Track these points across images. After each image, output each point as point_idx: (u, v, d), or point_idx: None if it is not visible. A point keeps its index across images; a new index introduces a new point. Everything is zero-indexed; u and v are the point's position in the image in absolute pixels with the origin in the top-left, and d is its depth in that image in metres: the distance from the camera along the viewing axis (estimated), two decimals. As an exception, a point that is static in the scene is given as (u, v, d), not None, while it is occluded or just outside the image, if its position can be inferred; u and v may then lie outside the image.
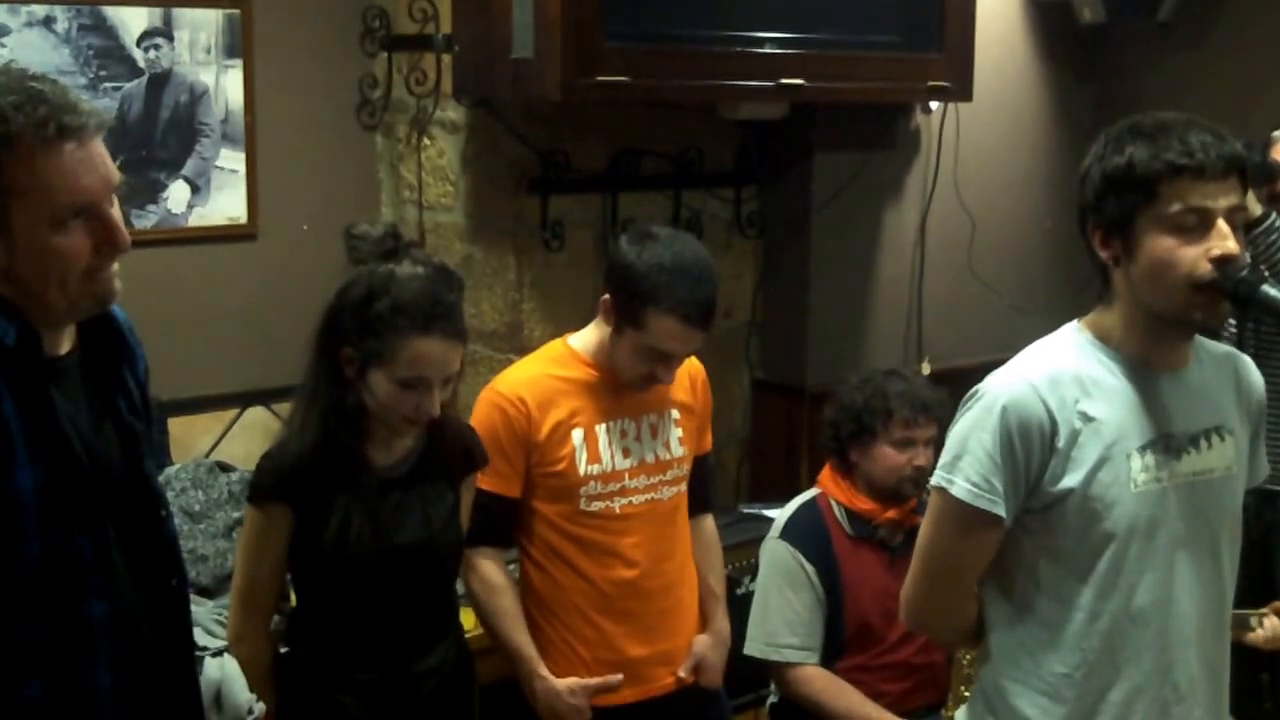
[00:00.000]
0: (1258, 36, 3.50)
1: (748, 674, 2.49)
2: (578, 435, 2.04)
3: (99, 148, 1.36)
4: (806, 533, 2.38)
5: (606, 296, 2.03)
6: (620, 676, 2.06)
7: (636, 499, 2.08)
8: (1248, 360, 1.68)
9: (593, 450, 2.04)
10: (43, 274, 1.34)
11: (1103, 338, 1.56)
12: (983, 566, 1.58)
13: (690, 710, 2.15)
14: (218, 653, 2.24)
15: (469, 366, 1.96)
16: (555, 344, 2.15)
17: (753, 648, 2.38)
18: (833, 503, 2.42)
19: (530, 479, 2.05)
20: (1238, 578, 1.65)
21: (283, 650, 1.89)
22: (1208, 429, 1.58)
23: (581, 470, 2.04)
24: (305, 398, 1.82)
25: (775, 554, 2.39)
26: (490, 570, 2.03)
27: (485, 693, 2.02)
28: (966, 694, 2.07)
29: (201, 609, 2.35)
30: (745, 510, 3.10)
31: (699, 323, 1.98)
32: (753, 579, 2.80)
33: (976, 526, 1.53)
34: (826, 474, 2.46)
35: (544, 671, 2.04)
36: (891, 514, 2.38)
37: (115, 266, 1.38)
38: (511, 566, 2.15)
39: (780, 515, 2.45)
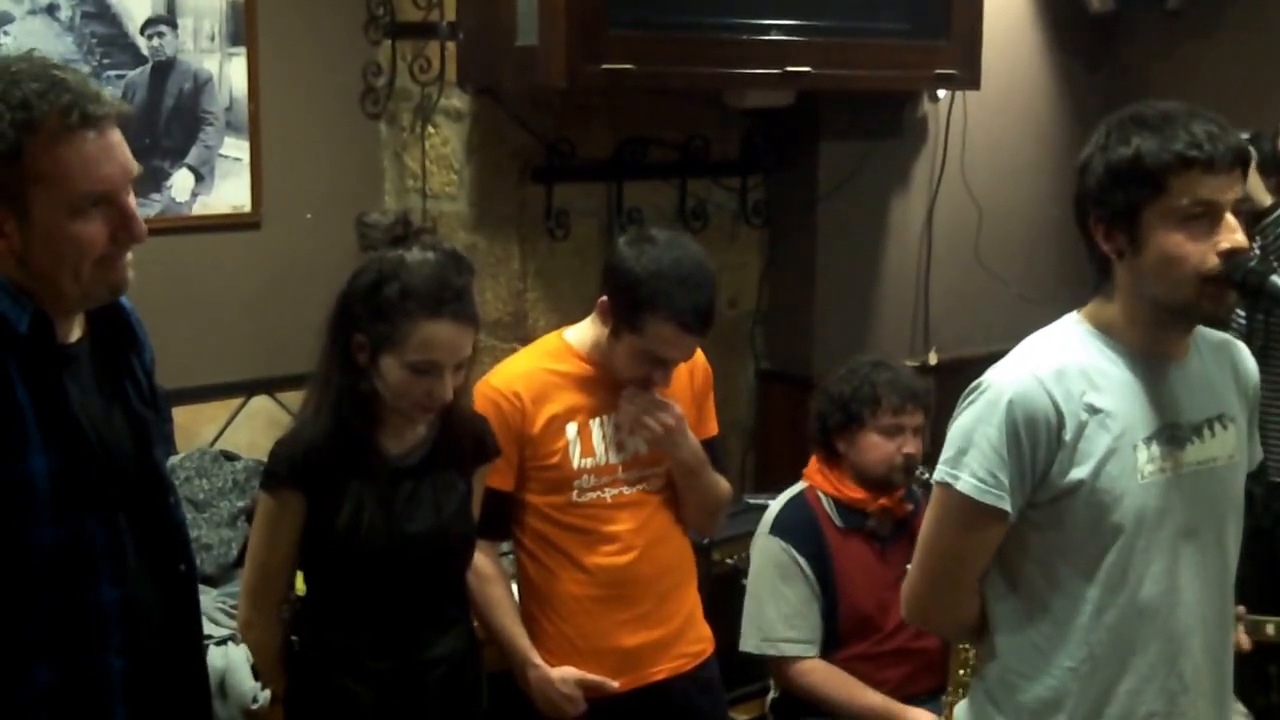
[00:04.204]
0: (1268, 25, 3.47)
1: (749, 666, 2.48)
2: (571, 429, 2.04)
3: (118, 137, 1.36)
4: (796, 526, 2.37)
5: (604, 298, 2.03)
6: (616, 683, 2.06)
7: (627, 489, 2.08)
8: (1242, 346, 1.67)
9: (586, 444, 2.05)
10: (58, 261, 1.34)
11: (1104, 329, 1.55)
12: (986, 562, 1.57)
13: (685, 698, 2.15)
14: (222, 641, 2.25)
15: (473, 355, 1.95)
16: (550, 338, 2.15)
17: (749, 644, 2.38)
18: (821, 495, 2.41)
19: (523, 472, 2.05)
20: (1245, 569, 1.64)
21: (292, 638, 1.89)
22: (1211, 418, 1.57)
23: (575, 464, 2.04)
24: (318, 385, 1.82)
25: (766, 550, 2.38)
26: (482, 561, 2.03)
27: (493, 681, 2.03)
28: (965, 677, 2.07)
29: (206, 597, 2.35)
30: (750, 500, 3.09)
31: (697, 329, 1.99)
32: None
33: (981, 522, 1.52)
34: (813, 467, 2.46)
35: (537, 660, 2.05)
36: (884, 501, 2.37)
37: (129, 256, 1.39)
38: (509, 558, 2.16)
39: (768, 511, 2.44)
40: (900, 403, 2.36)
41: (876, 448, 2.36)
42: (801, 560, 2.34)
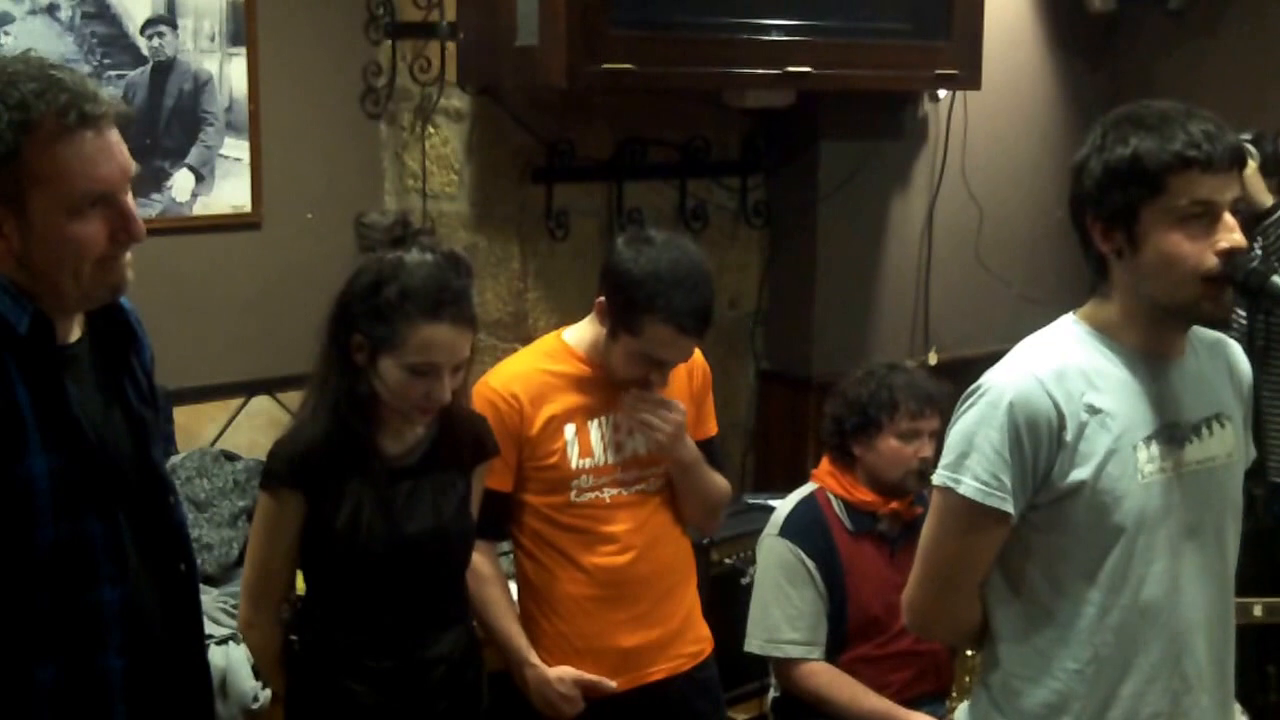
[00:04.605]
0: (1270, 24, 3.47)
1: (748, 665, 2.48)
2: (570, 430, 2.05)
3: (116, 136, 1.36)
4: (806, 529, 2.37)
5: (602, 299, 2.03)
6: (614, 684, 2.07)
7: (625, 490, 2.08)
8: (1235, 345, 1.68)
9: (584, 445, 2.05)
10: (58, 261, 1.34)
11: (1102, 329, 1.55)
12: (987, 566, 1.57)
13: (683, 698, 2.15)
14: (223, 641, 2.25)
15: (473, 355, 1.96)
16: (549, 338, 2.15)
17: (753, 645, 2.37)
18: (831, 498, 2.41)
19: (521, 473, 2.05)
20: (1248, 568, 1.64)
21: (291, 638, 1.89)
22: (1208, 417, 1.57)
23: (573, 465, 2.05)
24: (316, 386, 1.82)
25: (774, 551, 2.38)
26: (480, 561, 2.03)
27: (493, 680, 2.03)
28: (971, 683, 2.07)
29: (207, 597, 2.35)
30: (750, 500, 3.10)
31: (694, 331, 1.99)
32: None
33: (984, 525, 1.52)
34: (824, 468, 2.45)
35: (534, 660, 2.05)
36: (895, 505, 2.37)
37: (128, 256, 1.39)
38: (508, 558, 2.15)
39: (777, 512, 2.43)
40: (918, 407, 2.36)
41: (894, 452, 2.35)
42: (810, 563, 2.34)
